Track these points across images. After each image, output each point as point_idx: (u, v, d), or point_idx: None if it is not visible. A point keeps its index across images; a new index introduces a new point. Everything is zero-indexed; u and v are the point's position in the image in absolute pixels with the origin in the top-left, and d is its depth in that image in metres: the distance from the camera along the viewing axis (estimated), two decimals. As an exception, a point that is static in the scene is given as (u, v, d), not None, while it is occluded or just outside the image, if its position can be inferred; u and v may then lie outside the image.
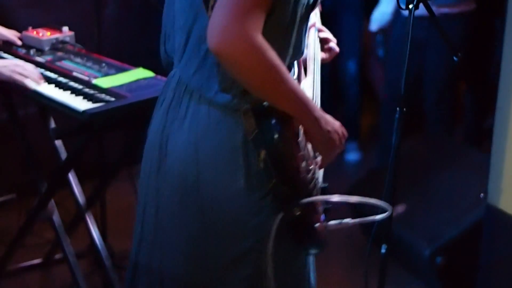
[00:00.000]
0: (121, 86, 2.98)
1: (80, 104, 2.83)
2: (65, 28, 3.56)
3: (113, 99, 2.87)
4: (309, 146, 2.08)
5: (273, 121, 1.92)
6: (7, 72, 2.92)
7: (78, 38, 3.54)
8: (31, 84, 2.95)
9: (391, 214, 2.19)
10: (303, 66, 2.29)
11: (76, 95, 2.92)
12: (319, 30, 2.44)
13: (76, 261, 3.31)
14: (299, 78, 2.19)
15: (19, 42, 3.49)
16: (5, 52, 3.41)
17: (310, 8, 2.00)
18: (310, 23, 2.44)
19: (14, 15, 3.81)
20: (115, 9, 4.20)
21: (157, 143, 2.07)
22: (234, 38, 1.74)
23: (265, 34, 1.79)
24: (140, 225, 2.17)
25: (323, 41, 2.46)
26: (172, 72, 2.11)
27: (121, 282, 3.47)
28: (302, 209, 1.96)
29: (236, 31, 1.74)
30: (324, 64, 2.40)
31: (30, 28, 3.56)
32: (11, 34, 3.49)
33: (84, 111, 2.76)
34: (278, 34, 1.90)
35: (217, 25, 1.76)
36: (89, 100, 2.86)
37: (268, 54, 1.79)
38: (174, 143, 2.02)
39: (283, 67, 1.84)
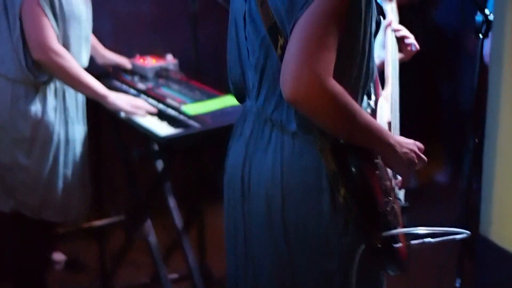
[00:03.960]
0: (206, 112, 3.10)
1: (163, 129, 2.96)
2: (169, 56, 3.72)
3: (195, 124, 2.99)
4: (388, 170, 2.09)
5: (351, 160, 1.93)
6: (124, 104, 3.11)
7: (182, 63, 3.69)
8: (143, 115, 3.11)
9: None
10: (381, 70, 2.29)
11: (162, 120, 3.04)
12: (395, 30, 2.42)
13: (169, 282, 3.39)
14: (377, 95, 2.17)
15: (129, 66, 3.69)
16: (114, 78, 3.60)
17: (375, 34, 2.00)
18: (385, 21, 2.42)
19: (125, 43, 3.99)
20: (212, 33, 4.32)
21: (239, 174, 2.10)
22: (306, 87, 1.76)
23: (336, 72, 1.80)
24: (233, 254, 2.21)
25: (401, 40, 2.43)
26: (246, 105, 2.13)
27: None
28: (383, 240, 1.97)
29: (307, 80, 1.76)
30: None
31: (137, 55, 3.74)
32: (121, 59, 3.69)
33: (163, 136, 2.89)
34: (349, 69, 1.89)
35: (287, 74, 1.78)
36: (172, 125, 2.98)
37: (340, 97, 1.80)
38: (258, 171, 2.05)
39: (355, 106, 1.85)
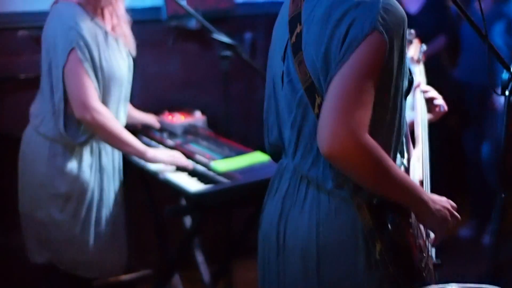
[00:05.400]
0: (236, 169, 3.13)
1: (192, 185, 3.00)
2: (198, 113, 3.78)
3: (225, 180, 3.02)
4: (421, 227, 2.12)
5: (387, 215, 1.98)
6: (163, 157, 3.19)
7: (211, 121, 3.76)
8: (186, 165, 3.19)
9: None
10: (411, 130, 2.34)
11: (192, 176, 3.09)
12: (424, 91, 2.47)
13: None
14: (409, 153, 2.21)
15: (158, 125, 3.74)
16: (143, 135, 3.66)
17: (407, 92, 2.04)
18: (414, 84, 2.47)
19: (154, 100, 4.06)
20: (241, 90, 4.38)
21: (274, 231, 2.13)
22: (342, 142, 1.81)
23: (368, 128, 1.84)
24: None
25: (429, 101, 2.48)
26: (283, 163, 2.17)
27: None
28: None
29: (343, 135, 1.81)
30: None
31: (166, 112, 3.80)
32: (149, 119, 3.74)
33: (192, 192, 2.93)
34: (380, 125, 1.93)
35: (325, 130, 1.83)
36: (201, 181, 3.03)
37: (375, 152, 1.85)
38: (294, 228, 2.08)
39: (390, 162, 1.90)
